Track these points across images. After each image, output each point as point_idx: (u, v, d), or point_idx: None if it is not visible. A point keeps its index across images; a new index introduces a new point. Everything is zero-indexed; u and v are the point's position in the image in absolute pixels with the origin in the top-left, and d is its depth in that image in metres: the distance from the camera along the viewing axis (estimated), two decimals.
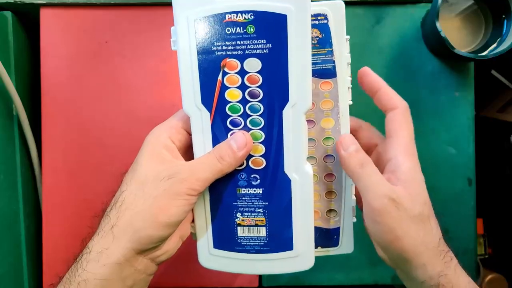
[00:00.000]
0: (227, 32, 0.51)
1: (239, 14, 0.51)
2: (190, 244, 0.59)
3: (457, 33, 0.77)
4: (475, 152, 0.80)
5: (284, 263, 0.57)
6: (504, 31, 0.74)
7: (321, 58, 0.55)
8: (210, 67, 0.52)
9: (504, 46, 0.71)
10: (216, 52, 0.52)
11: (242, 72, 0.52)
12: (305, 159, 0.54)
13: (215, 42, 0.52)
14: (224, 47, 0.52)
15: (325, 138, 0.58)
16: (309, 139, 0.57)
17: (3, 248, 0.74)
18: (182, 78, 0.53)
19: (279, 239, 0.57)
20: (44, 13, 0.77)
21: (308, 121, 0.57)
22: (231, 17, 0.51)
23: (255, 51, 0.52)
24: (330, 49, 0.55)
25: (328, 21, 0.55)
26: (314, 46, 0.55)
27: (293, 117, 0.53)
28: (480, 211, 0.81)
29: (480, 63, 0.83)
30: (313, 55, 0.54)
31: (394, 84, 0.60)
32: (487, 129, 0.92)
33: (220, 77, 0.53)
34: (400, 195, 0.51)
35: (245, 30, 0.51)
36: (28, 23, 0.81)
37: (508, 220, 0.94)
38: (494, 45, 0.74)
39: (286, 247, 0.57)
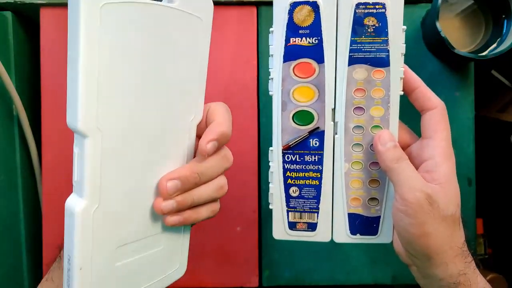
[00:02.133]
0: None
1: None
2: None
3: (457, 33, 0.78)
4: (475, 152, 0.81)
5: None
6: (504, 31, 0.76)
7: (375, 47, 0.57)
8: None
9: (504, 46, 0.73)
10: None
11: None
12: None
13: None
14: None
15: (374, 126, 0.59)
16: (358, 126, 0.59)
17: (3, 248, 0.76)
18: None
19: None
20: (44, 13, 0.79)
21: (358, 108, 0.59)
22: None
23: None
24: (385, 38, 0.57)
25: (386, 10, 0.56)
26: (370, 35, 0.57)
27: None
28: (480, 211, 0.83)
29: (480, 63, 0.84)
30: (368, 43, 0.57)
31: None
32: (487, 129, 0.93)
33: None
34: (436, 193, 0.53)
35: None
36: (28, 23, 0.82)
37: (508, 220, 0.95)
38: (494, 45, 0.76)
39: None
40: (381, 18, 0.57)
